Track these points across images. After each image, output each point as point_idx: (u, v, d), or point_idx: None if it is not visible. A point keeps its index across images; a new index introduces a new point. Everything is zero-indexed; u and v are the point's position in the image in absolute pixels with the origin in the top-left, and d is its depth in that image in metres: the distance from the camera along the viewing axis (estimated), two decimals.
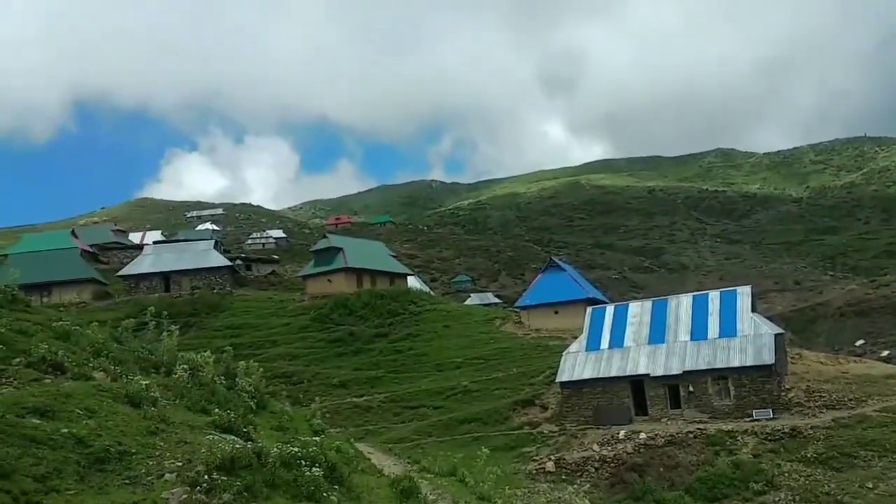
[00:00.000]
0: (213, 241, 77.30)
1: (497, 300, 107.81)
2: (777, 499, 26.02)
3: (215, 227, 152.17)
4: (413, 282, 74.80)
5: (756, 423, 31.38)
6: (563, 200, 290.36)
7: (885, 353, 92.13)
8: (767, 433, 30.08)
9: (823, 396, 33.17)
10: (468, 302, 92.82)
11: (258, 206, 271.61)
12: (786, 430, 29.97)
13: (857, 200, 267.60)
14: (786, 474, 27.27)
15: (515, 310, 61.62)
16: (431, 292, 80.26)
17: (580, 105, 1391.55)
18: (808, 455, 28.15)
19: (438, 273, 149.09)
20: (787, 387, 34.16)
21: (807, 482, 26.71)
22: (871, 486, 26.09)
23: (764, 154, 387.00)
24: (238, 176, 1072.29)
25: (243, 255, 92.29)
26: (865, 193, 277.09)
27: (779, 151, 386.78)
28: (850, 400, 32.57)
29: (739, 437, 30.25)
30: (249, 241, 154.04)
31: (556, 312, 53.98)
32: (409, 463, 18.38)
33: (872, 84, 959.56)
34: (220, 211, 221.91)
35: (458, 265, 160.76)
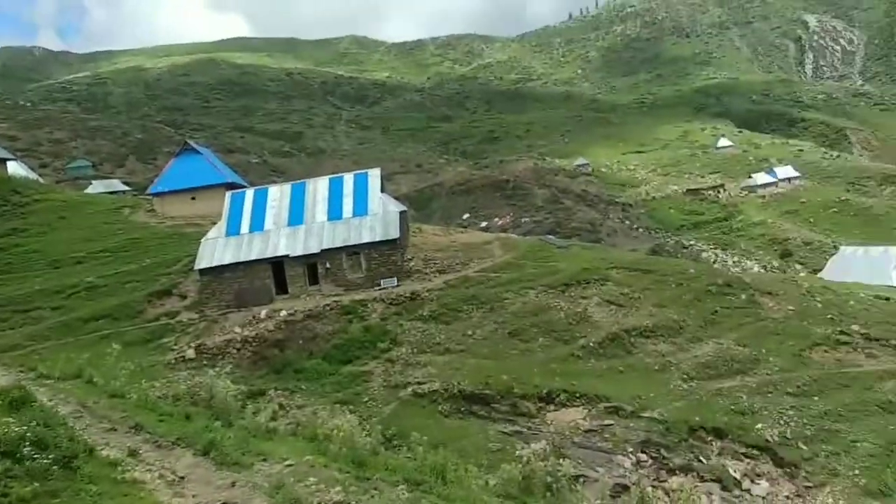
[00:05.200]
0: None
1: (125, 187, 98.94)
2: (399, 353, 30.01)
3: None
4: (16, 168, 64.43)
5: (383, 291, 35.17)
6: (197, 79, 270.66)
7: (484, 223, 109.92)
8: (392, 299, 34.06)
9: (437, 263, 38.42)
10: (89, 190, 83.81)
11: None
12: (407, 295, 34.25)
13: (468, 92, 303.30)
14: (406, 332, 31.48)
15: (147, 197, 57.01)
16: (41, 180, 70.62)
17: None
18: (424, 314, 32.81)
19: (49, 158, 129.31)
20: (408, 258, 38.61)
21: (423, 336, 31.27)
22: (471, 332, 31.70)
23: (392, 44, 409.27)
24: None
25: None
26: (474, 86, 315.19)
27: (405, 42, 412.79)
28: (458, 264, 38.38)
29: (369, 305, 33.70)
30: None
31: (193, 199, 51.44)
32: (21, 371, 16.40)
33: None
34: None
35: (76, 149, 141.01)
